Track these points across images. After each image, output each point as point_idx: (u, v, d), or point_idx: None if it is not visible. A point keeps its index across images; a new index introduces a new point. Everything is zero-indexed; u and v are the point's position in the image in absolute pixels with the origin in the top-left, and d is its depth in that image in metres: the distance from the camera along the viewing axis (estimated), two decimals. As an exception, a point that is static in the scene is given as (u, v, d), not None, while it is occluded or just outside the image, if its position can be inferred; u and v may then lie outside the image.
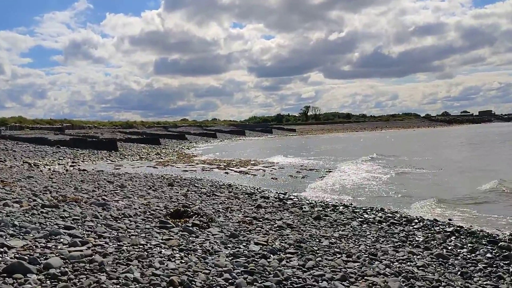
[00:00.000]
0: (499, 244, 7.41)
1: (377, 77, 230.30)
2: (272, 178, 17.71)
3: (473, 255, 6.97)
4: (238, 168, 21.69)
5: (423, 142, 44.24)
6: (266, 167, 21.99)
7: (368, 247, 6.95)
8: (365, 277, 5.34)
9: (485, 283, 5.70)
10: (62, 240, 5.37)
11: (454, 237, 8.05)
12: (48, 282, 4.13)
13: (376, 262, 6.07)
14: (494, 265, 6.44)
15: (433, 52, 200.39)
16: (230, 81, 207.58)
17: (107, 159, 26.81)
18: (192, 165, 23.10)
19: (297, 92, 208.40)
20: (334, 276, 5.26)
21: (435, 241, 7.66)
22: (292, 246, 6.59)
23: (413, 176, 17.61)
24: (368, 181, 16.34)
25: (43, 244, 5.14)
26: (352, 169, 20.43)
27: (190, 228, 6.92)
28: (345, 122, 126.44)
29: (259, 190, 13.96)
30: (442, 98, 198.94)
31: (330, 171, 19.55)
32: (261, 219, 8.63)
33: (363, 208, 10.88)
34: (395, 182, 15.79)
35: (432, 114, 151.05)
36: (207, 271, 4.90)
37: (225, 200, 10.99)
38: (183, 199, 10.36)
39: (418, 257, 6.62)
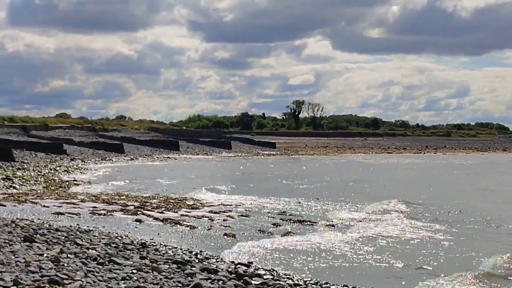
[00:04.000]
0: None
1: (431, 53, 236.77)
2: (226, 234, 17.79)
3: None
4: (162, 212, 21.63)
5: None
6: (215, 212, 22.09)
7: None
8: None
9: None
10: None
11: None
12: None
13: None
14: None
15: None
16: (154, 47, 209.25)
17: None
18: (74, 203, 22.88)
19: (282, 74, 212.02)
20: None
21: None
22: None
23: None
24: (418, 241, 16.60)
25: None
26: (379, 222, 20.73)
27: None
28: (369, 135, 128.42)
29: (199, 255, 14.02)
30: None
31: (334, 225, 19.74)
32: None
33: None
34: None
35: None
36: None
37: (133, 273, 11.01)
38: (51, 269, 10.27)
39: None
